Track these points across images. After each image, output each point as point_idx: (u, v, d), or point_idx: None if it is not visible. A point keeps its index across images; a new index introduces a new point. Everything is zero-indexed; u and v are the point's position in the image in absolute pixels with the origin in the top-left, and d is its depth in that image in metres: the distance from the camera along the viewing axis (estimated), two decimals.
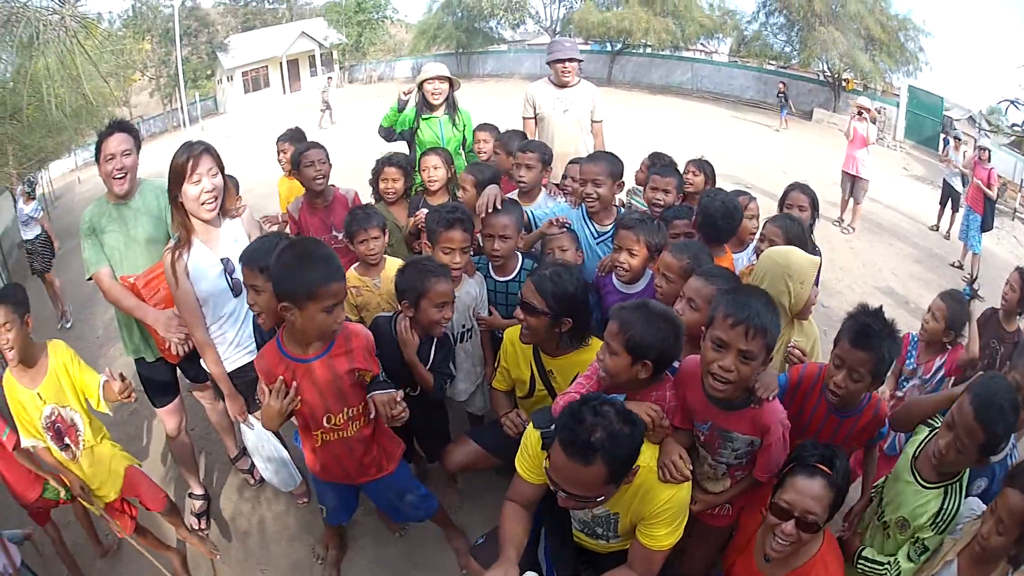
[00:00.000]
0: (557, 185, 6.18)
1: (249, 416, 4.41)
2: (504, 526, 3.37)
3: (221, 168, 4.20)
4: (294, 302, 3.17)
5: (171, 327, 4.44)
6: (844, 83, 29.08)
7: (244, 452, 5.31)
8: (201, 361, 4.47)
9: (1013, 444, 3.62)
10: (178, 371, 5.00)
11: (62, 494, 4.49)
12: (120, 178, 4.48)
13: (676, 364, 3.53)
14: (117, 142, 4.46)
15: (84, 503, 4.44)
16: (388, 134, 7.19)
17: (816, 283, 3.99)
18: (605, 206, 5.06)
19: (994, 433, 2.93)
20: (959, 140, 12.92)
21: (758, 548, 3.31)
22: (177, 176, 4.02)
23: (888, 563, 3.29)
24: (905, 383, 5.10)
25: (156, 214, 4.65)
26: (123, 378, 4.06)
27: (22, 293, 4.22)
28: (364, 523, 4.98)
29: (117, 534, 4.61)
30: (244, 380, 4.43)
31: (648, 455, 3.11)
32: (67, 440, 4.25)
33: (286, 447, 4.77)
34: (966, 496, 3.25)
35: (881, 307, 3.38)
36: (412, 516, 4.43)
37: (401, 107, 6.98)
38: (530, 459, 3.35)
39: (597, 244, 5.09)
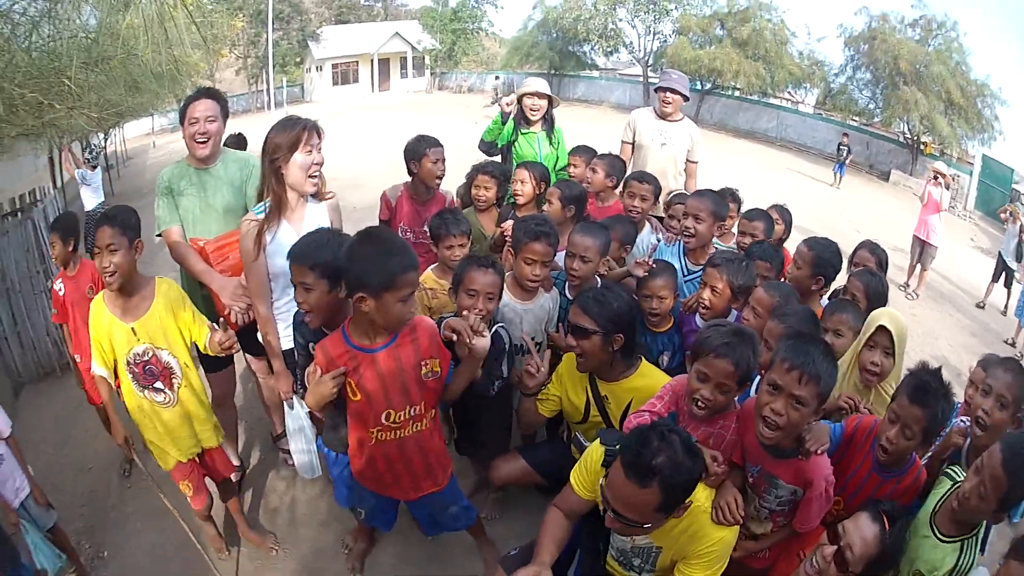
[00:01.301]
0: (660, 219, 6.11)
1: (295, 397, 4.29)
2: (544, 529, 3.37)
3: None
4: (371, 292, 3.10)
5: (236, 295, 4.48)
6: (922, 146, 28.56)
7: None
8: (258, 335, 4.42)
9: None
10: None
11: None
12: (202, 142, 4.62)
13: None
14: (204, 107, 4.61)
15: (130, 453, 4.50)
16: (489, 148, 7.13)
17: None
18: (702, 244, 5.02)
19: (1018, 484, 2.84)
20: (1017, 215, 12.55)
21: None
22: (290, 145, 3.96)
23: None
24: None
25: (236, 184, 4.79)
26: (226, 328, 4.02)
27: (134, 217, 4.03)
28: (399, 520, 4.56)
29: (183, 490, 4.49)
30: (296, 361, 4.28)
31: (703, 496, 3.09)
32: (160, 384, 4.13)
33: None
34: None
35: (940, 367, 3.32)
36: (450, 527, 4.28)
37: (504, 119, 6.94)
38: (587, 473, 3.31)
39: (686, 281, 5.05)
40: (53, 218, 9.10)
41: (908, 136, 29.46)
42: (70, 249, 5.33)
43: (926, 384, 3.18)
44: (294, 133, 3.96)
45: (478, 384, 4.11)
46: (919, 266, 12.63)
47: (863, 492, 3.49)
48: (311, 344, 3.60)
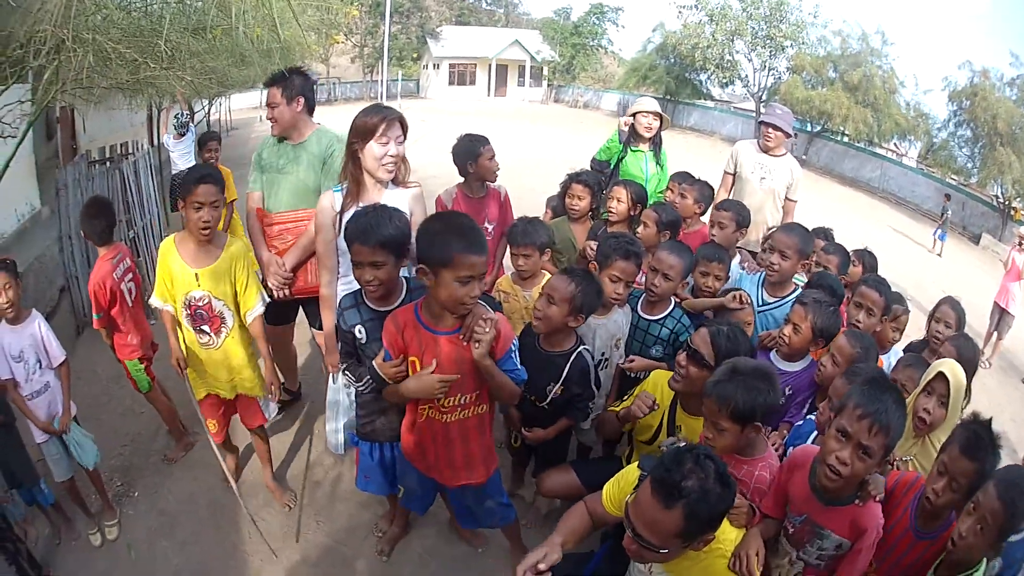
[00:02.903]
0: (752, 254, 6.09)
1: (339, 372, 4.20)
2: (566, 517, 3.31)
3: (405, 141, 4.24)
4: (431, 266, 3.12)
5: (277, 273, 4.85)
6: (1012, 211, 27.68)
7: None
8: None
9: None
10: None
11: (143, 385, 5.14)
12: (273, 122, 4.92)
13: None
14: (270, 95, 4.88)
15: (180, 374, 4.61)
16: (601, 167, 7.16)
17: None
18: (783, 279, 4.96)
19: (1015, 511, 2.77)
20: None
21: None
22: (366, 132, 4.03)
23: None
24: None
25: (315, 161, 4.96)
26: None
27: (221, 177, 4.30)
28: (434, 513, 4.72)
29: (208, 430, 4.79)
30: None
31: (730, 539, 2.94)
32: (206, 327, 4.38)
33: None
34: None
35: (991, 419, 3.14)
36: (486, 522, 4.23)
37: (622, 138, 6.98)
38: (618, 491, 3.21)
39: (760, 312, 4.98)
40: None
41: (1000, 199, 28.66)
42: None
43: (978, 436, 3.04)
44: (373, 121, 4.02)
45: (571, 416, 4.32)
46: (995, 334, 12.15)
47: (896, 551, 3.32)
48: (357, 327, 3.65)
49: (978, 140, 30.91)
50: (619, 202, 5.65)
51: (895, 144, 36.37)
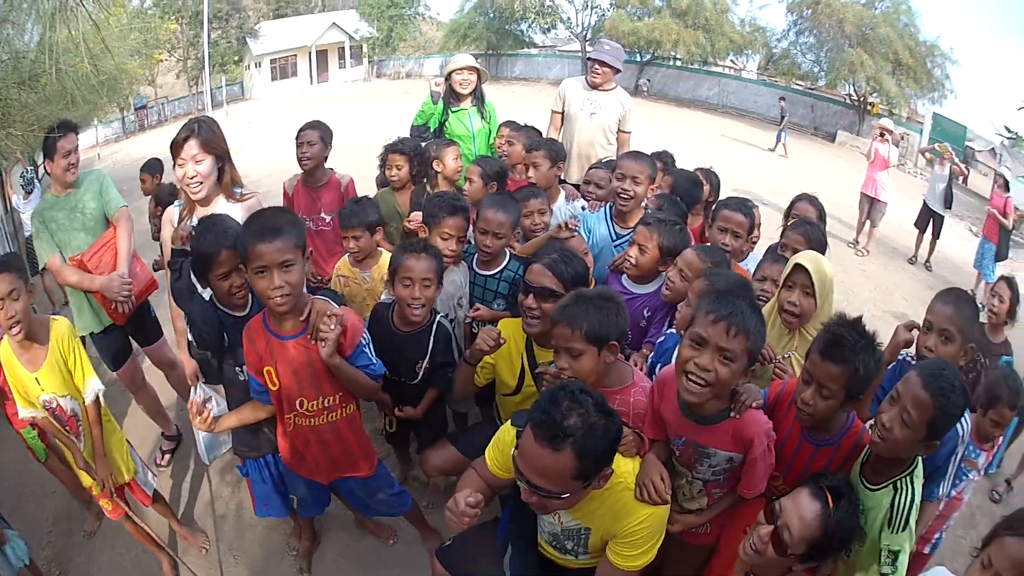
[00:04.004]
0: (576, 187, 6.25)
1: (199, 382, 4.27)
2: (460, 486, 3.29)
3: (215, 151, 4.30)
4: (245, 268, 3.22)
5: (115, 289, 4.84)
6: (869, 107, 28.90)
7: None
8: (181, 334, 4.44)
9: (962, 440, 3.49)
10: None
11: (40, 454, 4.82)
12: (70, 170, 4.95)
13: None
14: (69, 141, 4.91)
15: (86, 475, 4.34)
16: (421, 132, 7.25)
17: None
18: (638, 205, 5.00)
19: (945, 404, 2.73)
20: (944, 157, 12.50)
21: (739, 571, 3.08)
22: (173, 155, 4.21)
23: None
24: (966, 475, 4.28)
25: (95, 199, 5.07)
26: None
27: (21, 261, 4.21)
28: (338, 516, 4.91)
29: (108, 513, 4.51)
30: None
31: (627, 470, 2.95)
32: (68, 431, 4.16)
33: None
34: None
35: (860, 318, 3.12)
36: (384, 512, 4.42)
37: (435, 99, 7.11)
38: (500, 454, 3.22)
39: (616, 246, 5.00)
40: None
41: (854, 97, 29.83)
42: None
43: (839, 338, 2.99)
44: (172, 143, 4.22)
45: (440, 385, 4.35)
46: (868, 223, 12.75)
47: (798, 462, 3.31)
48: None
49: (823, 45, 31.85)
50: (471, 183, 5.67)
51: (732, 60, 37.25)
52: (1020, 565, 2.48)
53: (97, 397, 4.18)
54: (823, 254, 4.20)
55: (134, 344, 5.54)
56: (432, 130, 7.20)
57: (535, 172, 5.56)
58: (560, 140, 6.72)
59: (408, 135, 7.17)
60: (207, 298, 3.83)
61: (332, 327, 3.30)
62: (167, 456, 5.59)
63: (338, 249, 5.45)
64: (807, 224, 4.65)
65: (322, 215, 5.82)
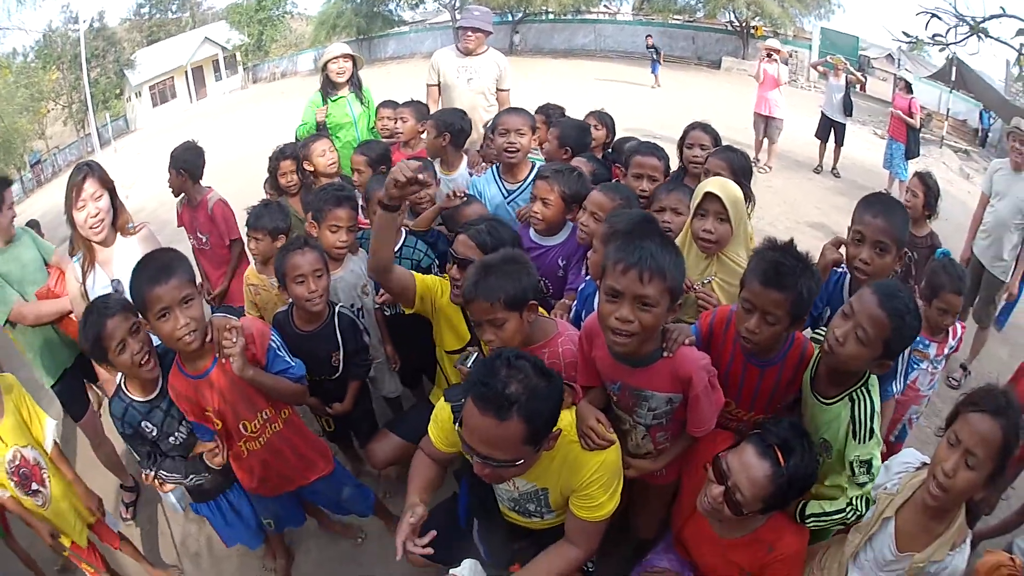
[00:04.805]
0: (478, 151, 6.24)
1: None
2: (412, 474, 3.33)
3: (108, 187, 4.38)
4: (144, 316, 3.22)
5: (75, 298, 4.62)
6: (753, 30, 29.16)
7: None
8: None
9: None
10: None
11: None
12: (12, 221, 4.88)
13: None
14: (8, 193, 4.81)
15: (55, 549, 4.27)
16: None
17: None
18: (524, 157, 5.01)
19: (901, 326, 2.80)
20: (838, 68, 12.81)
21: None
22: (68, 202, 4.24)
23: (843, 508, 3.00)
24: (916, 365, 4.64)
25: (31, 248, 4.96)
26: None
27: None
28: (306, 528, 4.88)
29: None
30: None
31: (568, 421, 2.94)
32: (34, 484, 4.05)
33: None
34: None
35: (792, 240, 3.11)
36: (354, 509, 4.48)
37: (319, 125, 7.13)
38: (441, 430, 3.24)
39: (508, 203, 5.02)
40: None
41: (735, 24, 30.04)
42: None
43: (778, 264, 2.95)
44: (68, 191, 4.24)
45: (356, 377, 4.48)
46: (766, 140, 13.01)
47: (747, 386, 3.34)
48: (143, 423, 3.61)
49: None
50: (326, 153, 5.91)
51: (605, 6, 37.14)
52: (986, 438, 2.58)
53: (55, 440, 4.20)
54: (748, 180, 4.37)
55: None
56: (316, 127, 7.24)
57: (426, 139, 5.66)
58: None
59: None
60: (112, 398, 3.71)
61: (234, 339, 3.31)
62: (131, 508, 5.52)
63: (223, 263, 5.96)
64: (730, 151, 4.65)
65: (199, 235, 6.00)
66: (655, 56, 24.86)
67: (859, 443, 2.97)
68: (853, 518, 3.01)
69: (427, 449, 3.36)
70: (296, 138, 7.18)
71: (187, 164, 5.94)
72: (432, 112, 6.29)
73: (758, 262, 3.04)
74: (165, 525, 5.42)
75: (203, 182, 5.96)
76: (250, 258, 5.24)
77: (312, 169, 5.89)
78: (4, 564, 5.05)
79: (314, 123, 7.19)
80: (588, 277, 4.06)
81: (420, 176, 3.26)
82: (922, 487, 2.85)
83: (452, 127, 5.56)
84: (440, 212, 4.88)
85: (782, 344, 3.22)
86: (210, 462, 3.45)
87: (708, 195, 3.68)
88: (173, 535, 5.29)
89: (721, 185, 3.73)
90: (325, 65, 7.10)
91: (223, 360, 3.37)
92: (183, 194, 6.07)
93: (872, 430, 2.97)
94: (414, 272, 4.04)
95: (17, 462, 3.94)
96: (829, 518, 3.04)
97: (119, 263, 4.39)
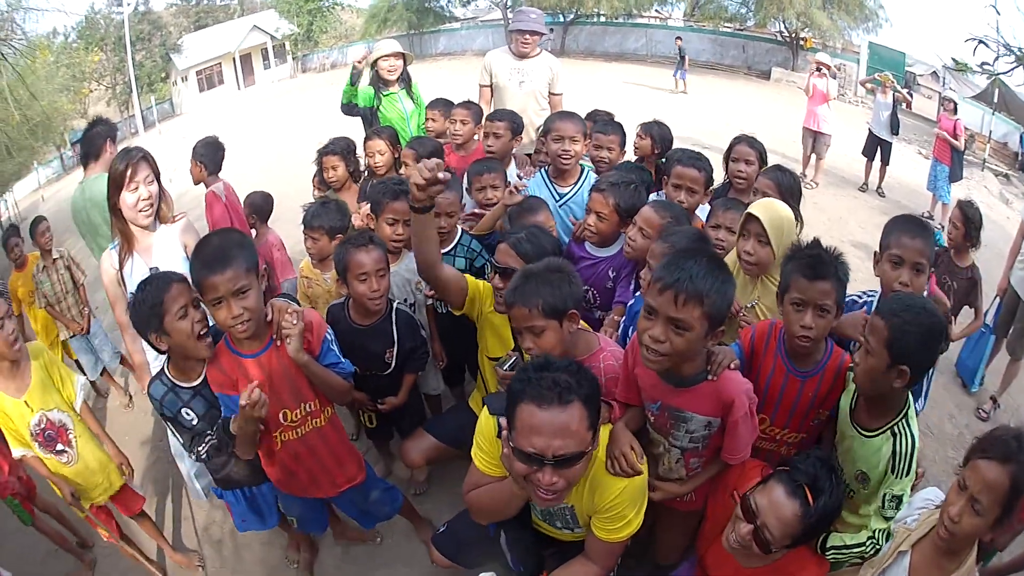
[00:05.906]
0: (528, 156, 6.25)
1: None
2: (482, 494, 3.17)
3: (157, 175, 4.32)
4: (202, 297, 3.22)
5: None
6: (802, 42, 28.92)
7: None
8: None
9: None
10: None
11: (26, 520, 4.58)
12: None
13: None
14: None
15: (75, 509, 4.36)
16: (349, 109, 7.46)
17: None
18: (577, 163, 5.03)
19: (903, 335, 2.82)
20: (886, 85, 12.69)
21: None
22: (116, 183, 4.14)
23: (863, 541, 2.99)
24: None
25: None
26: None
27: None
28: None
29: (104, 538, 4.57)
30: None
31: (601, 441, 2.90)
32: (60, 445, 4.18)
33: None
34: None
35: (816, 238, 3.30)
36: (381, 515, 4.43)
37: (354, 80, 7.18)
38: (486, 448, 3.14)
39: (560, 206, 5.03)
40: None
41: (785, 34, 29.82)
42: None
43: (817, 257, 3.13)
44: (119, 171, 4.12)
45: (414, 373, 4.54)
46: (814, 156, 12.88)
47: (786, 399, 3.39)
48: (183, 410, 3.57)
49: None
50: (381, 154, 5.86)
51: (656, 11, 37.01)
52: (991, 486, 2.57)
53: (84, 399, 4.35)
54: (798, 201, 4.34)
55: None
56: (361, 107, 7.29)
57: (495, 142, 5.57)
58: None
59: (341, 111, 7.55)
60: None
61: (294, 322, 3.33)
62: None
63: None
64: (779, 171, 4.64)
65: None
66: (680, 59, 24.48)
67: (897, 478, 3.00)
68: (872, 552, 3.00)
69: (476, 479, 3.21)
70: (341, 105, 7.42)
71: (204, 157, 6.24)
72: (493, 111, 6.28)
73: (798, 261, 3.20)
74: (188, 511, 5.50)
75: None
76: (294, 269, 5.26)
77: (372, 165, 5.90)
78: (27, 551, 5.19)
79: (351, 89, 7.30)
80: (638, 293, 4.06)
81: (440, 175, 3.24)
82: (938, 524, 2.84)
83: (520, 130, 5.62)
84: (504, 212, 4.80)
85: (821, 353, 3.31)
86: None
87: (749, 216, 3.69)
88: (195, 521, 5.36)
89: (764, 207, 3.73)
90: (376, 62, 7.09)
91: (278, 343, 3.39)
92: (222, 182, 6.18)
93: (911, 466, 2.99)
94: (467, 275, 4.06)
95: (43, 425, 4.08)
96: (850, 551, 3.01)
97: (159, 252, 4.36)
